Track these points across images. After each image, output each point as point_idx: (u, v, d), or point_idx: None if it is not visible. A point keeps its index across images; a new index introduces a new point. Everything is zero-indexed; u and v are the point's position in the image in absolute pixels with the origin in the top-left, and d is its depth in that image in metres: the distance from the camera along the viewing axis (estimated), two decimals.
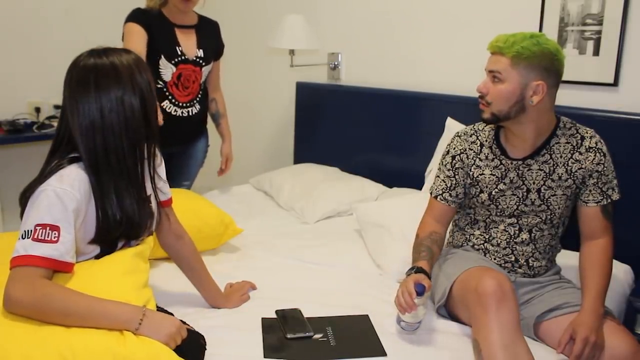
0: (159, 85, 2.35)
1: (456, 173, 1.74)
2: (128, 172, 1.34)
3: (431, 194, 1.79)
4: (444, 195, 1.76)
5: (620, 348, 1.44)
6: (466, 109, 2.34)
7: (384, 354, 1.46)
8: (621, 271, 1.96)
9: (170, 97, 2.38)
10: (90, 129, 1.29)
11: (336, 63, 3.03)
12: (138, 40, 2.24)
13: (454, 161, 1.75)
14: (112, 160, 1.31)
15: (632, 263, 2.02)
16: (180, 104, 2.41)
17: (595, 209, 1.64)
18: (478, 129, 1.74)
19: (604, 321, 1.50)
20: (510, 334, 1.36)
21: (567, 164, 1.63)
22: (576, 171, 1.63)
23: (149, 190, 1.46)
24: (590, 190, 1.64)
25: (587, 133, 1.64)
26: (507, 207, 1.68)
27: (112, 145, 1.30)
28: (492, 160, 1.69)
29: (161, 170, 1.57)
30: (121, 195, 1.34)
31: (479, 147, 1.71)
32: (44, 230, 1.20)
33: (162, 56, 2.32)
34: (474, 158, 1.71)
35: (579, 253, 1.68)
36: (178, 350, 1.23)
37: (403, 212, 2.12)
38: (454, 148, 1.75)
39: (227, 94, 3.72)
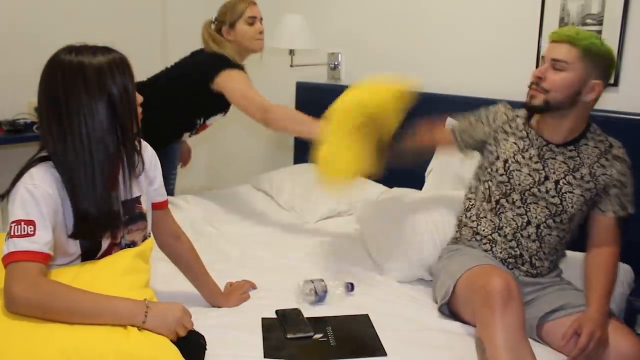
0: (198, 122, 2.38)
1: (478, 121, 1.81)
2: (94, 170, 1.28)
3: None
4: (455, 128, 1.85)
5: (626, 348, 1.45)
6: (466, 109, 2.32)
7: (384, 354, 1.46)
8: (621, 271, 1.95)
9: (194, 131, 2.42)
10: (53, 131, 1.27)
11: (336, 63, 3.03)
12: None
13: (486, 112, 1.81)
14: (79, 160, 1.27)
15: (632, 263, 2.02)
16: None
17: (610, 218, 1.66)
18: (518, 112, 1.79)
19: (609, 321, 1.51)
20: (515, 335, 1.36)
21: (593, 167, 1.64)
22: (599, 176, 1.64)
23: (136, 192, 1.44)
24: (609, 199, 1.65)
25: (615, 142, 1.68)
26: (520, 183, 1.68)
27: (77, 148, 1.26)
28: (521, 131, 1.72)
29: (157, 171, 1.56)
30: (91, 192, 1.28)
31: (514, 118, 1.76)
32: (19, 226, 1.21)
33: (224, 112, 2.38)
34: (506, 123, 1.75)
35: (582, 255, 1.69)
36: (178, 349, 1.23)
37: (403, 212, 2.12)
38: (494, 107, 1.82)
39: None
